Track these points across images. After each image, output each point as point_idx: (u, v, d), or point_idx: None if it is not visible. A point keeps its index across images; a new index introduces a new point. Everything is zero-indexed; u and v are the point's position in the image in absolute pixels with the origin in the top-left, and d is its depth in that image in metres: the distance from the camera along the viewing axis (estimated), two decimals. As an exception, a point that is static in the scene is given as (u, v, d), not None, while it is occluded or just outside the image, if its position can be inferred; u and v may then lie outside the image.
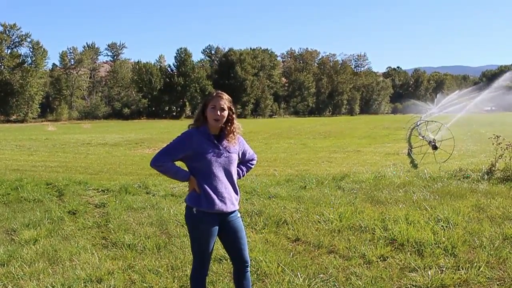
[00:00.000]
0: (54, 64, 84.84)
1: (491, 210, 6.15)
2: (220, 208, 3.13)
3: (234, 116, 3.23)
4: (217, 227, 3.19)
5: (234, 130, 3.22)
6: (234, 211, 3.25)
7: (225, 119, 3.17)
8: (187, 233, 5.50)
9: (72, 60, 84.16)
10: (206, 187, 3.11)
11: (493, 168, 8.77)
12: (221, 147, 3.16)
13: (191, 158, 3.15)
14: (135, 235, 5.45)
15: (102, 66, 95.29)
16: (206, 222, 3.14)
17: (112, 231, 5.66)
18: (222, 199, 3.14)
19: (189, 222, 3.21)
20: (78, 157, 16.43)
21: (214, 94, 3.21)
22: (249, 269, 3.33)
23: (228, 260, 4.16)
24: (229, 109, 3.19)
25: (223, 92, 3.24)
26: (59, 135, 30.75)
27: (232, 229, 3.23)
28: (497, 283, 3.89)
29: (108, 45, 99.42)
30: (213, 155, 3.11)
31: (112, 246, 5.15)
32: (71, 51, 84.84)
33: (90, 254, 4.83)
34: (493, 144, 9.01)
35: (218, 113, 3.13)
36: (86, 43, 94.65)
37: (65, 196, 8.04)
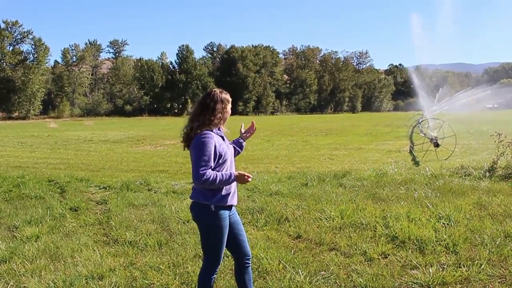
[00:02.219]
0: (56, 61, 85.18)
1: (492, 207, 6.14)
2: (234, 202, 3.20)
3: None
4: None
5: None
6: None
7: None
8: (189, 230, 5.49)
9: (74, 57, 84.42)
10: None
11: (495, 166, 8.77)
12: (227, 142, 3.26)
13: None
14: (137, 232, 5.47)
15: (104, 63, 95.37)
16: (225, 217, 3.13)
17: (114, 228, 5.67)
18: (234, 192, 3.22)
19: (207, 220, 3.10)
20: (80, 154, 16.44)
21: (223, 92, 3.23)
22: (250, 263, 3.33)
23: (229, 257, 4.17)
24: None
25: None
26: (61, 132, 30.78)
27: (234, 223, 3.26)
28: (498, 280, 3.89)
29: (110, 42, 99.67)
30: (227, 152, 3.16)
31: (114, 243, 5.16)
32: (73, 48, 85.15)
33: (92, 251, 4.84)
34: (495, 141, 9.01)
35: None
36: (88, 40, 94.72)
37: (66, 193, 8.07)
